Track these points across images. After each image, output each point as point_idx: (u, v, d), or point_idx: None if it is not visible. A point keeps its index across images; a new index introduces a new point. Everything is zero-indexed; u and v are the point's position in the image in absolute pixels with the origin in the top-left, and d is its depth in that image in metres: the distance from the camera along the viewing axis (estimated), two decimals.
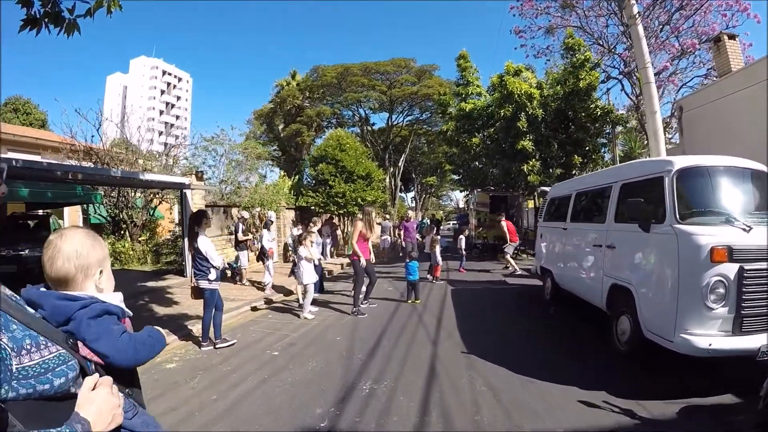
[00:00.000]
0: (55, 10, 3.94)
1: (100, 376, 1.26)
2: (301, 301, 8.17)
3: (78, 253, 1.39)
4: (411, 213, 15.09)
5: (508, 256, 12.93)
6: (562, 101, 15.28)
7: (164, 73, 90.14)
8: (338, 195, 17.96)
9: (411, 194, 53.06)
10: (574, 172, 15.32)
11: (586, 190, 6.85)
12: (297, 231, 10.20)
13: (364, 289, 8.09)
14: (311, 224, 10.64)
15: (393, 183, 34.76)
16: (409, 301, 8.60)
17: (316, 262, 8.51)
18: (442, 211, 69.59)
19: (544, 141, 15.56)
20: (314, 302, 8.37)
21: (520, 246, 16.88)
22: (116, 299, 1.52)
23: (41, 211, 14.41)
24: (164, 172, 14.61)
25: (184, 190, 11.67)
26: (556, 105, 15.37)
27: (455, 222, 29.80)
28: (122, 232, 15.51)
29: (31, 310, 1.25)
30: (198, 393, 4.33)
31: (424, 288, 9.83)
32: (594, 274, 5.87)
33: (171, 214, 18.62)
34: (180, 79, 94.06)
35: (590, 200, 6.71)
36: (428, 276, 11.22)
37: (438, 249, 11.26)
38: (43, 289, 1.39)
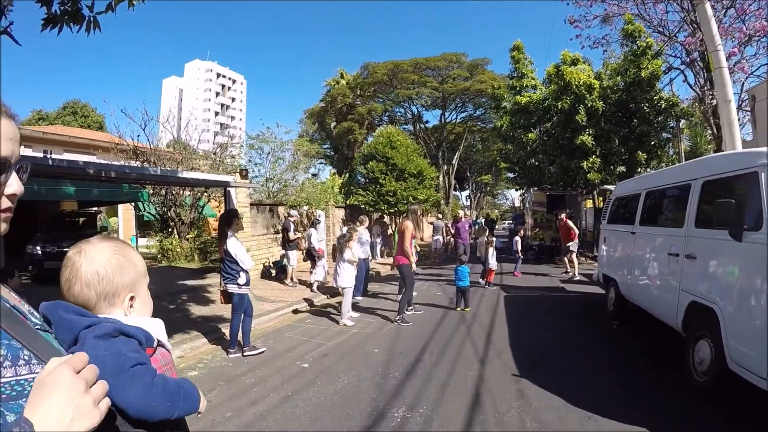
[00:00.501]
0: (74, 8, 3.82)
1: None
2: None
3: (100, 276, 1.07)
4: (462, 212, 14.17)
5: (573, 255, 11.99)
6: (623, 92, 14.11)
7: (218, 75, 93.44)
8: (389, 193, 17.50)
9: (465, 193, 51.90)
10: (638, 169, 14.10)
11: (658, 189, 5.98)
12: (346, 230, 9.97)
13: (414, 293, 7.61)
14: (357, 223, 10.36)
15: (446, 181, 33.93)
16: (458, 309, 8.00)
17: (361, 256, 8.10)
18: (497, 211, 68.04)
19: (604, 135, 14.40)
20: (356, 307, 7.99)
21: (579, 249, 15.88)
22: (150, 325, 1.12)
23: (94, 208, 15.08)
24: (213, 171, 14.69)
25: (227, 189, 11.65)
26: (616, 97, 14.19)
27: (511, 222, 28.46)
28: (170, 229, 15.81)
29: (37, 322, 0.92)
30: (213, 408, 3.98)
31: (475, 294, 9.26)
32: (668, 288, 5.03)
33: (221, 212, 18.86)
34: (234, 81, 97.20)
35: (664, 200, 5.86)
36: (480, 280, 10.56)
37: (492, 252, 10.54)
38: None
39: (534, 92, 16.54)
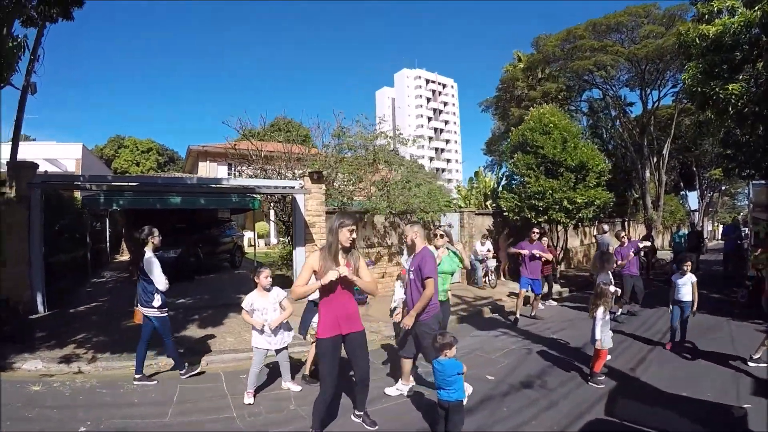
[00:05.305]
0: None
1: None
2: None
3: None
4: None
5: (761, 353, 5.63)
6: None
7: (428, 81, 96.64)
8: (535, 195, 13.01)
9: (694, 193, 40.19)
10: None
11: None
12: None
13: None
14: (436, 236, 5.94)
15: (656, 178, 26.26)
16: None
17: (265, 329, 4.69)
18: (740, 216, 51.94)
19: None
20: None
21: None
22: None
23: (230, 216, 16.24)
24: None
25: (294, 196, 10.53)
26: None
27: (723, 236, 18.71)
28: (289, 237, 15.62)
29: None
30: None
31: (557, 389, 4.98)
32: None
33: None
34: (444, 86, 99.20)
35: None
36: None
37: (600, 313, 5.21)
38: None
39: (733, 18, 9.28)
